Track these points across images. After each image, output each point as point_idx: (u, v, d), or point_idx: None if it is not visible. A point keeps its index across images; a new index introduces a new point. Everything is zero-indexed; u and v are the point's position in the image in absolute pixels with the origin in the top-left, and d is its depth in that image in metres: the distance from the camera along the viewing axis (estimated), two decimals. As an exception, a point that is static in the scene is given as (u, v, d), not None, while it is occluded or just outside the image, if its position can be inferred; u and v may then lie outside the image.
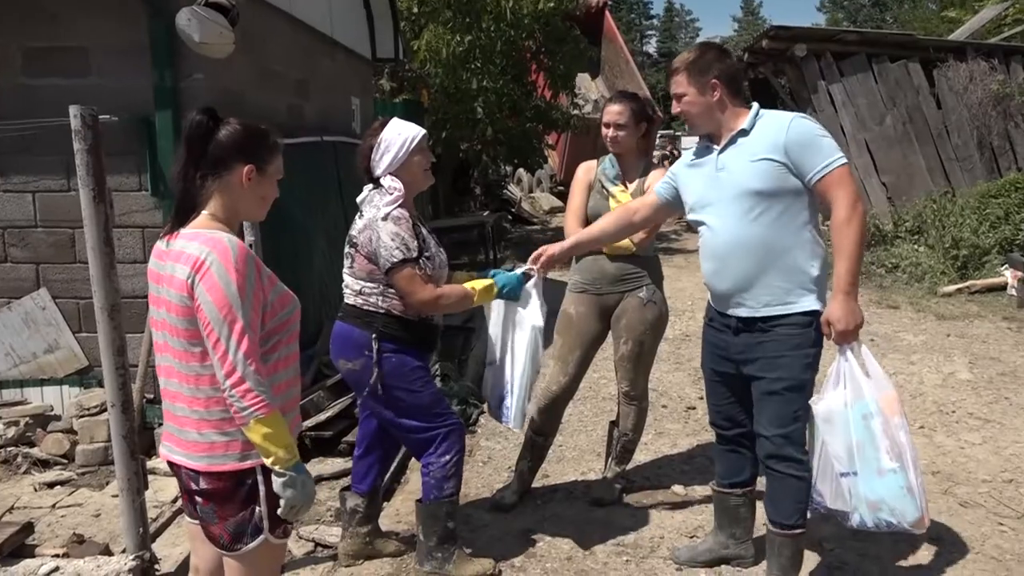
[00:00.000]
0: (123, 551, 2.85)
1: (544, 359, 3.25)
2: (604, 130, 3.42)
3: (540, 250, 3.11)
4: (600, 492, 3.66)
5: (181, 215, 1.96)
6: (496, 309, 3.09)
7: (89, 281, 2.66)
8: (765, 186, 2.56)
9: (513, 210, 15.36)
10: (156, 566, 2.85)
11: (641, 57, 59.76)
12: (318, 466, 4.07)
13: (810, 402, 2.58)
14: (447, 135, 11.23)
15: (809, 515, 2.70)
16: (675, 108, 2.73)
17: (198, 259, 1.85)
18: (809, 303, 2.59)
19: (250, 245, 3.96)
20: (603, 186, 3.45)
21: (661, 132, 31.91)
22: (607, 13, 21.59)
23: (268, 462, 1.88)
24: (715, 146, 2.70)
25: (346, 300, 2.89)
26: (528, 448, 3.65)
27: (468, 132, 11.13)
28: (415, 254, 2.72)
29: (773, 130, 2.57)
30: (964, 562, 3.10)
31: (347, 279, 2.88)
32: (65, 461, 4.25)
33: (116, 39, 4.23)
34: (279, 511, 1.92)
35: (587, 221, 3.47)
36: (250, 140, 1.97)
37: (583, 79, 18.15)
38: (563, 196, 18.35)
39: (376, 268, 2.76)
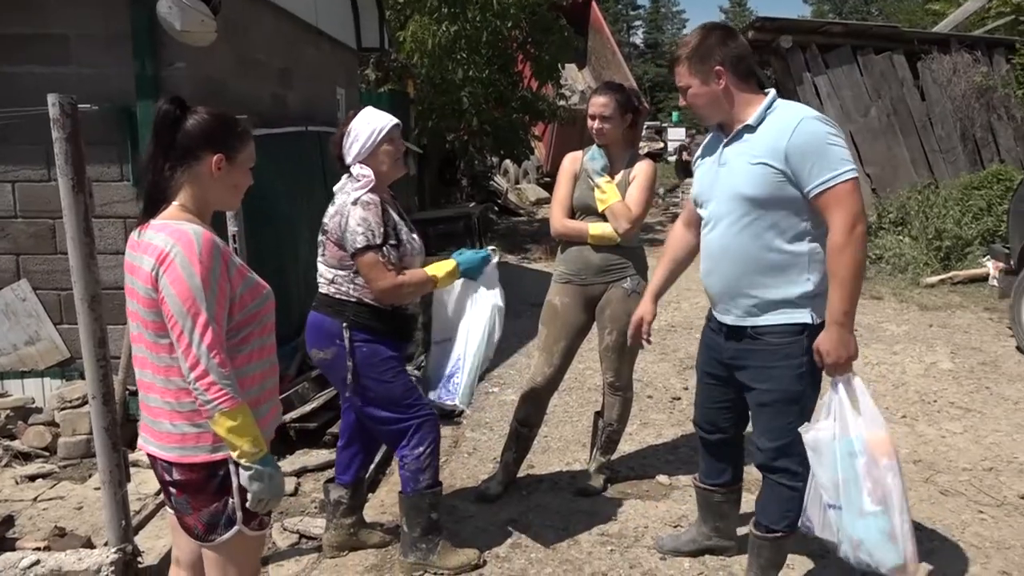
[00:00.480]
0: (105, 544, 2.83)
1: (530, 349, 3.25)
2: (590, 122, 3.41)
3: (637, 320, 3.01)
4: (585, 482, 3.68)
5: (151, 206, 1.94)
6: (453, 287, 3.02)
7: (70, 272, 2.63)
8: (758, 193, 2.39)
9: (499, 201, 15.33)
10: (139, 559, 2.83)
11: (628, 48, 59.81)
12: (303, 457, 4.06)
13: (800, 429, 2.42)
14: (433, 125, 11.19)
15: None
16: (681, 102, 2.58)
17: (162, 251, 1.84)
18: (798, 317, 2.44)
19: (233, 236, 3.94)
20: (588, 177, 3.44)
21: (647, 123, 32.11)
22: (593, 4, 21.57)
23: (234, 455, 1.88)
24: (724, 136, 2.53)
25: (319, 289, 2.88)
26: (513, 439, 3.65)
27: (454, 123, 11.09)
28: (379, 240, 2.69)
29: (778, 130, 2.36)
30: (944, 549, 3.14)
31: (320, 267, 2.87)
32: (47, 454, 4.21)
33: (97, 27, 4.17)
34: (247, 504, 1.92)
35: (573, 212, 3.47)
36: (218, 129, 1.95)
37: (570, 70, 18.12)
38: (549, 187, 18.23)
39: (346, 254, 2.75)
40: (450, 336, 3.04)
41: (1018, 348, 5.88)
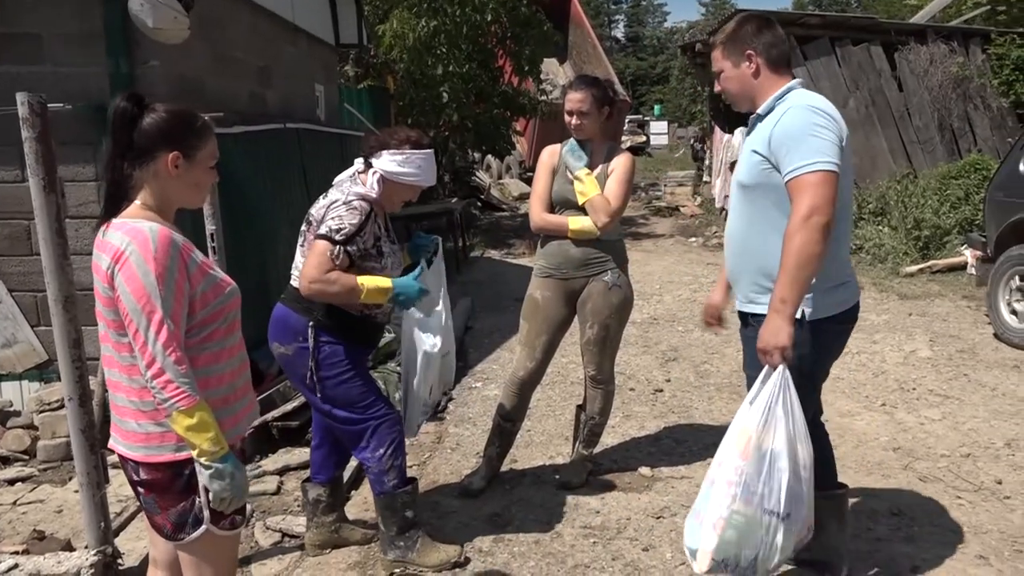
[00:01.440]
0: (85, 547, 2.81)
1: (512, 343, 3.29)
2: (567, 118, 3.40)
3: (709, 309, 2.95)
4: (568, 475, 3.69)
5: (112, 205, 1.93)
6: (406, 327, 3.07)
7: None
8: (749, 180, 2.44)
9: (482, 196, 15.32)
10: (119, 561, 2.81)
11: (609, 42, 59.88)
12: (285, 456, 4.04)
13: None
14: (413, 121, 11.15)
15: None
16: (716, 87, 2.60)
17: (118, 249, 1.84)
18: None
19: (211, 234, 3.91)
20: (568, 170, 3.44)
21: (630, 117, 32.18)
22: (574, -3, 21.53)
23: (193, 454, 1.87)
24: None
25: (291, 281, 2.85)
26: (496, 434, 3.65)
27: (434, 118, 11.06)
28: (339, 238, 2.66)
29: (773, 119, 2.37)
30: (923, 534, 3.17)
31: (297, 258, 2.84)
32: (26, 457, 4.17)
33: (70, 25, 4.13)
34: (210, 503, 1.91)
35: (552, 206, 3.47)
36: (174, 126, 1.93)
37: (550, 64, 18.12)
38: (532, 182, 18.32)
39: None
40: (408, 369, 3.09)
41: (995, 335, 5.95)
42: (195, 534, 1.95)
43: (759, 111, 2.46)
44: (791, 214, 2.28)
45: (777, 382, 2.28)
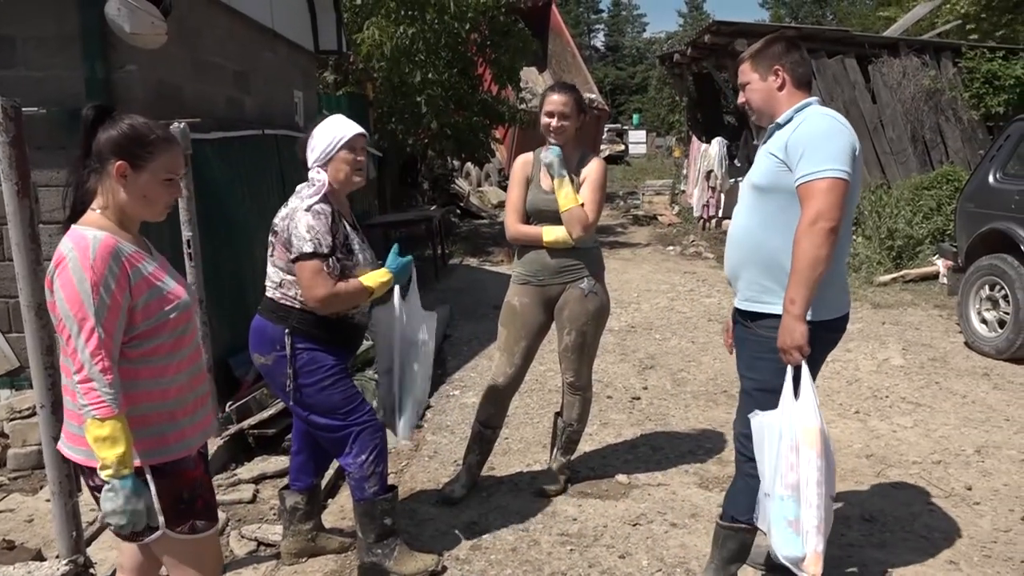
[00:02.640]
0: (56, 556, 2.77)
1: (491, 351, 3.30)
2: (547, 119, 3.37)
3: (728, 327, 2.90)
4: (545, 482, 3.69)
5: (72, 212, 1.96)
6: (384, 319, 3.05)
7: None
8: (763, 181, 2.53)
9: (461, 204, 15.32)
10: (91, 571, 2.78)
11: (589, 51, 60.18)
12: (261, 464, 4.01)
13: (750, 415, 2.50)
14: (393, 128, 11.14)
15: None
16: (740, 98, 2.70)
17: (61, 254, 1.87)
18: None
19: (187, 241, 3.89)
20: (550, 175, 3.41)
21: (608, 126, 32.35)
22: (553, 7, 21.64)
23: (97, 466, 1.86)
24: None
25: (266, 292, 2.84)
26: (476, 441, 3.66)
27: (413, 126, 11.05)
28: (326, 250, 2.66)
29: (792, 127, 2.49)
30: (895, 540, 3.21)
31: (269, 269, 2.83)
32: (-4, 466, 4.11)
33: (45, 29, 4.09)
34: (100, 518, 1.92)
35: (526, 216, 3.48)
36: (124, 136, 1.94)
37: (530, 73, 18.18)
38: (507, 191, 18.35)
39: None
40: (390, 367, 3.06)
41: (966, 344, 6.05)
42: (152, 537, 1.97)
43: (779, 120, 2.57)
44: (800, 219, 2.38)
45: (808, 379, 2.39)
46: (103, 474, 1.85)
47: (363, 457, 2.82)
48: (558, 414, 3.74)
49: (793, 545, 2.36)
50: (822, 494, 2.34)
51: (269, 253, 2.82)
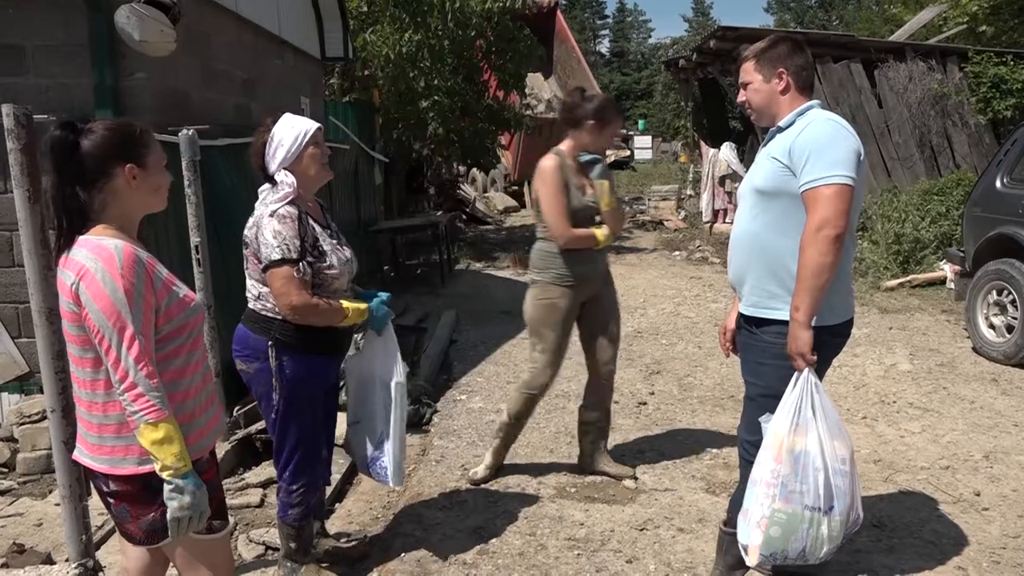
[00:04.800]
0: (66, 560, 2.79)
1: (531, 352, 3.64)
2: (615, 139, 3.59)
3: (725, 332, 2.93)
4: (621, 471, 3.88)
5: (70, 231, 1.91)
6: (352, 371, 3.04)
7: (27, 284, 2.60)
8: (766, 185, 2.51)
9: (467, 210, 15.35)
10: (101, 574, 2.80)
11: (594, 56, 60.32)
12: (268, 468, 4.01)
13: (760, 419, 2.52)
14: (399, 134, 11.18)
15: None
16: (740, 96, 2.67)
17: (83, 267, 1.85)
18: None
19: (196, 246, 3.91)
20: (575, 183, 3.55)
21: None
22: (558, 13, 21.67)
23: (157, 468, 1.87)
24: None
25: (248, 303, 2.79)
26: (503, 430, 3.84)
27: (420, 132, 11.09)
28: (295, 255, 2.59)
29: (795, 131, 2.48)
30: (903, 545, 3.20)
31: (247, 282, 2.78)
32: (6, 470, 4.13)
33: (55, 37, 4.13)
34: (168, 518, 1.91)
35: (573, 220, 3.54)
36: (120, 140, 1.93)
37: (535, 79, 18.21)
38: (517, 196, 18.38)
39: None
40: (359, 419, 3.05)
41: (974, 349, 6.03)
42: (167, 540, 1.98)
43: (780, 123, 2.56)
44: (805, 225, 2.37)
45: (804, 386, 2.40)
46: (164, 475, 1.87)
47: (295, 486, 2.82)
48: (584, 407, 3.88)
49: (743, 532, 2.48)
50: (771, 496, 2.39)
51: (246, 265, 2.76)
